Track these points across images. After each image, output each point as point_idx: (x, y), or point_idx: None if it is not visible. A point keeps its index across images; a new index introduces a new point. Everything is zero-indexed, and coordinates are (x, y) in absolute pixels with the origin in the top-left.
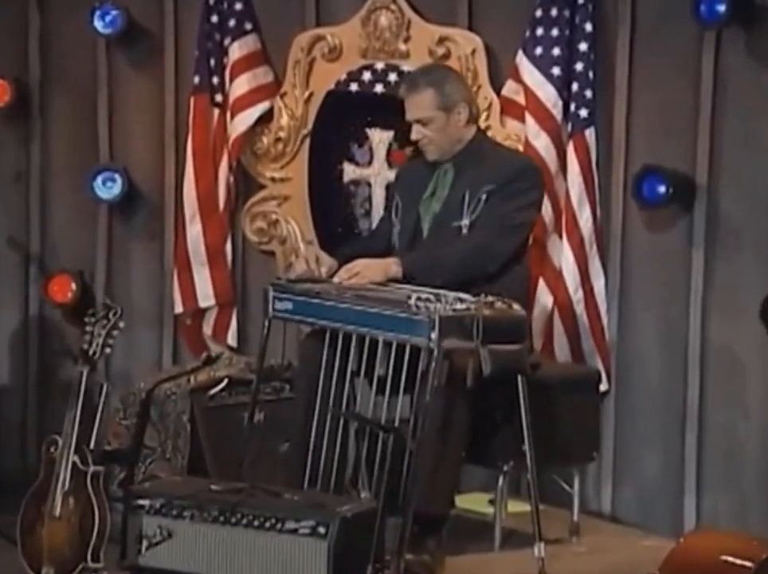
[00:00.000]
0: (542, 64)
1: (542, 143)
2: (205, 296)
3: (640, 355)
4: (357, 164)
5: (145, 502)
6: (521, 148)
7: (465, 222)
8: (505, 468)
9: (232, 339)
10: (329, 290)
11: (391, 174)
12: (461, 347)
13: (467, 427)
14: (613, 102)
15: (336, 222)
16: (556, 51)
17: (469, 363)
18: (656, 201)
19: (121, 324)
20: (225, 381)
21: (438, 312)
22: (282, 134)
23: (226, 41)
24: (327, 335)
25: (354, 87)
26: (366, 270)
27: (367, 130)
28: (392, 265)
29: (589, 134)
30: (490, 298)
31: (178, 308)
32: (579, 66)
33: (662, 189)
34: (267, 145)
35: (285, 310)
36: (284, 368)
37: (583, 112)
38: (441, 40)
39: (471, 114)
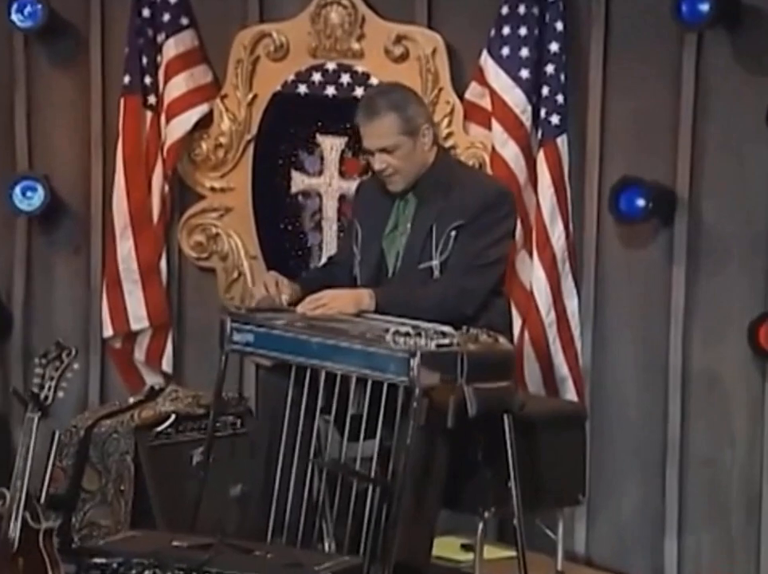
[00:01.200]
0: (510, 66)
1: (510, 153)
2: (138, 317)
3: (616, 382)
4: (306, 173)
5: (101, 561)
6: (486, 157)
7: (435, 262)
8: (486, 514)
9: (167, 364)
10: (295, 321)
11: (344, 185)
12: (444, 385)
13: (446, 470)
14: (587, 108)
15: (283, 236)
16: (524, 52)
17: (450, 401)
18: (634, 215)
19: (75, 366)
20: (173, 417)
21: (419, 347)
22: (223, 140)
23: (160, 38)
24: (293, 371)
25: (302, 89)
26: (335, 301)
27: (318, 136)
28: (364, 297)
29: (561, 142)
30: (474, 331)
31: (107, 332)
32: (550, 68)
33: (641, 202)
34: (206, 152)
35: (245, 343)
36: (236, 401)
37: (554, 119)
38: (399, 38)
39: (434, 135)
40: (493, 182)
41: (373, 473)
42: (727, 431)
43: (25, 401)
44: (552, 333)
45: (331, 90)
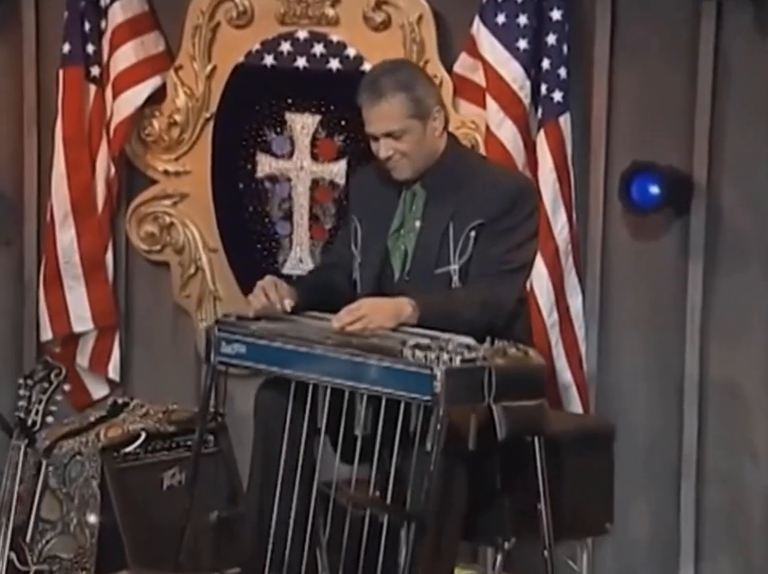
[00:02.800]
0: (506, 36)
1: (506, 134)
2: (81, 318)
3: (624, 390)
4: (274, 156)
5: None
6: (479, 139)
7: (454, 267)
8: (506, 546)
9: (113, 372)
10: (296, 331)
11: (317, 169)
12: (470, 405)
13: (465, 497)
14: (592, 83)
15: (248, 226)
16: (522, 20)
17: (471, 421)
18: (647, 204)
19: (66, 387)
20: (143, 436)
21: (443, 362)
22: (177, 117)
23: (104, 1)
24: (293, 387)
25: (269, 60)
26: (376, 313)
27: (287, 114)
28: (406, 307)
29: (564, 121)
30: (500, 344)
31: (46, 335)
32: (551, 39)
33: (654, 190)
34: (158, 131)
35: (236, 355)
36: (211, 417)
37: (557, 95)
38: (379, 4)
39: (445, 119)
40: (513, 176)
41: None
42: (748, 446)
43: (8, 427)
44: (554, 335)
45: (301, 62)
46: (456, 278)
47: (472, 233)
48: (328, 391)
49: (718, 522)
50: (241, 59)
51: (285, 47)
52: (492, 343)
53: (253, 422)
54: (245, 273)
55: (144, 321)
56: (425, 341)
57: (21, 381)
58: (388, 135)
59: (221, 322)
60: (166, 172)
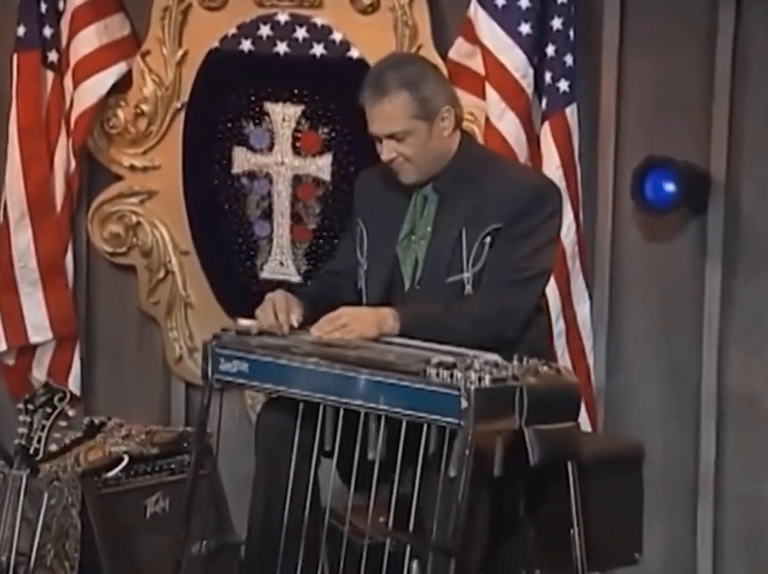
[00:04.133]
0: (507, 20)
1: (508, 126)
2: (38, 327)
3: (636, 405)
4: (252, 150)
5: None
6: (478, 132)
7: (467, 275)
8: None
9: (74, 385)
10: (304, 347)
11: (300, 164)
12: (500, 427)
13: (486, 526)
14: (600, 72)
15: (222, 227)
16: (524, 2)
17: (497, 444)
18: (663, 203)
19: (70, 412)
20: (125, 459)
21: (471, 382)
22: (145, 107)
23: None
24: (301, 409)
25: (246, 45)
26: (356, 322)
27: (266, 104)
28: (388, 318)
29: (571, 113)
30: (531, 361)
31: (0, 346)
32: (556, 22)
33: (670, 187)
34: (124, 122)
35: (237, 373)
36: (198, 437)
37: (563, 85)
38: None
39: (456, 118)
40: (534, 175)
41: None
42: None
43: (9, 456)
44: (561, 345)
45: (282, 47)
46: (469, 287)
47: (488, 239)
48: (341, 412)
49: (737, 546)
50: (216, 44)
51: (264, 31)
52: (521, 360)
53: (255, 447)
54: (220, 277)
55: (108, 330)
56: (450, 359)
57: (21, 406)
58: (390, 136)
59: (220, 337)
60: (132, 167)
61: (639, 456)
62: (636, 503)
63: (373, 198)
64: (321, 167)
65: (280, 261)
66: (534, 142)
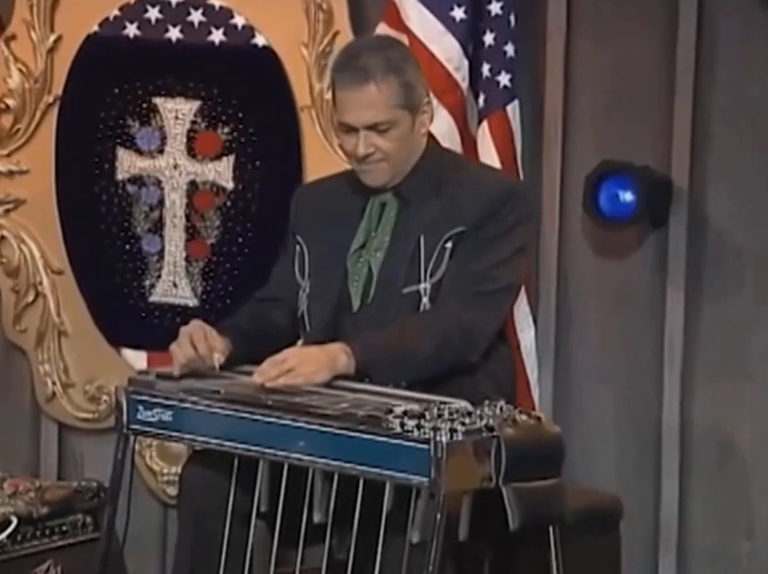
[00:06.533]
0: (437, 3)
1: (440, 126)
2: None
3: (587, 444)
4: (139, 152)
5: None
6: None
7: (424, 286)
8: None
9: None
10: (237, 392)
11: (196, 169)
12: (475, 487)
13: None
14: (545, 64)
15: (104, 241)
16: None
17: (463, 504)
18: (620, 214)
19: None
20: (14, 521)
21: (442, 434)
22: (11, 102)
23: None
24: (236, 463)
25: (132, 30)
26: (304, 365)
27: (156, 99)
28: (340, 356)
29: (512, 111)
30: (507, 408)
31: None
32: (494, 7)
33: (627, 197)
34: None
35: (158, 423)
36: (93, 492)
37: (503, 78)
38: None
39: (432, 114)
40: (502, 177)
41: None
42: (743, 515)
43: None
44: None
45: (174, 33)
46: (426, 299)
47: (449, 245)
48: (285, 468)
49: None
50: (95, 28)
51: (153, 14)
52: (495, 406)
53: (178, 510)
54: (100, 301)
55: None
56: (416, 407)
57: None
58: (371, 127)
59: (137, 381)
60: None
61: (617, 513)
62: (613, 565)
63: (315, 212)
64: (221, 172)
65: (173, 282)
66: (470, 144)
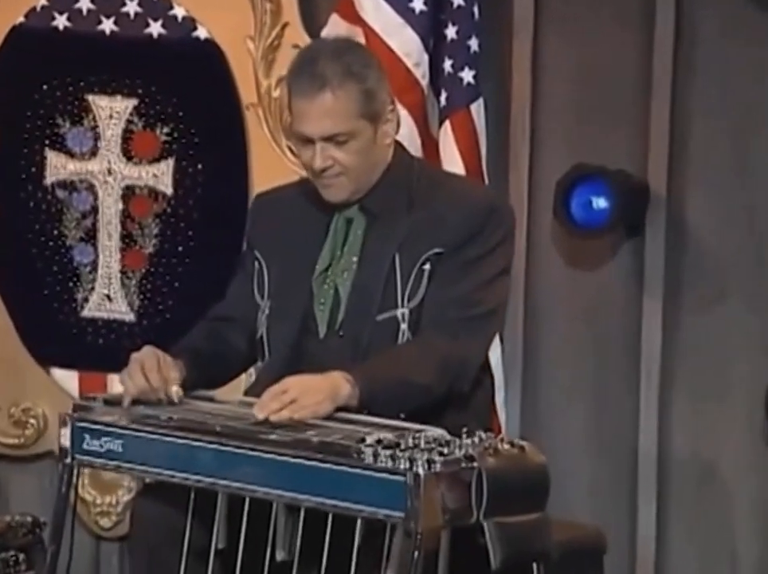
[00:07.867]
0: None
1: (400, 129)
2: None
3: (558, 471)
4: (70, 154)
5: None
6: None
7: (402, 311)
8: None
9: None
10: (193, 420)
11: (132, 172)
12: (455, 523)
13: None
14: (511, 59)
15: (31, 251)
16: None
17: (441, 542)
18: (592, 222)
19: None
20: None
21: (419, 466)
22: None
23: None
24: (192, 496)
25: (62, 21)
26: (307, 397)
27: (89, 96)
28: (343, 386)
29: (477, 110)
30: (486, 437)
31: None
32: None
33: (601, 203)
34: None
35: (106, 453)
36: (28, 528)
37: (467, 75)
38: None
39: (397, 122)
40: (481, 191)
41: None
42: (726, 547)
43: None
44: None
45: (108, 25)
46: (404, 326)
47: (427, 266)
48: (247, 503)
49: None
50: (20, 19)
51: (84, 4)
52: (474, 436)
53: (129, 546)
54: (28, 316)
55: None
56: (390, 436)
57: None
58: (328, 139)
59: (82, 407)
60: None
61: (602, 546)
62: None
63: (275, 226)
64: (159, 175)
65: (107, 295)
66: (431, 146)
